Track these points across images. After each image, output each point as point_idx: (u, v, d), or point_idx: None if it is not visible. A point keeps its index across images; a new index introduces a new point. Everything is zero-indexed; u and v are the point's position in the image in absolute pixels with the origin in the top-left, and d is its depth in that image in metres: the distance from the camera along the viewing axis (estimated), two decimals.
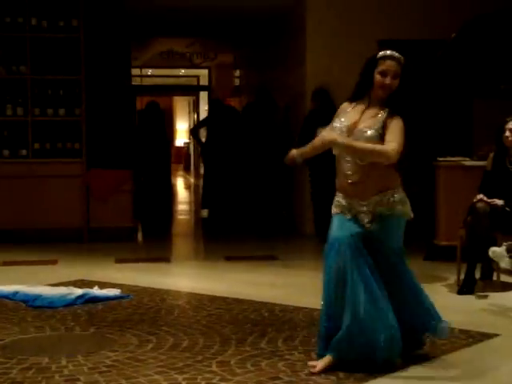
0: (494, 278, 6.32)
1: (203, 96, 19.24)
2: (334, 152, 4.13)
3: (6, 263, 7.42)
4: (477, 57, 8.41)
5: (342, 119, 4.15)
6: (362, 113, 4.12)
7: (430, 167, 7.61)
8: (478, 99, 8.73)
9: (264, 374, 3.98)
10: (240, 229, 9.97)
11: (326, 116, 8.86)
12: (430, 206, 7.72)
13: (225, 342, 4.58)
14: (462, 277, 6.06)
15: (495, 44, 8.39)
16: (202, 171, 13.87)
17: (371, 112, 4.11)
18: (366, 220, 4.07)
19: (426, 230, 7.76)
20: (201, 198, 11.46)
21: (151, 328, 4.92)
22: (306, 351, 4.35)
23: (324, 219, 8.76)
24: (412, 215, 4.18)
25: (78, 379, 3.91)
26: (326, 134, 4.10)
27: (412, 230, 9.33)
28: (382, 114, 4.06)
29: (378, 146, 3.99)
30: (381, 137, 4.01)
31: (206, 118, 11.47)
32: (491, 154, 6.31)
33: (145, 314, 5.35)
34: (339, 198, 4.16)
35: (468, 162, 7.27)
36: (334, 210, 4.18)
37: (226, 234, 9.66)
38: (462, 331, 4.79)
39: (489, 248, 5.52)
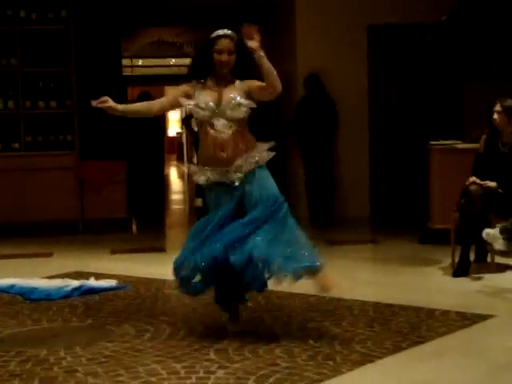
0: (488, 259, 6.35)
1: None
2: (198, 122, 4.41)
3: (1, 257, 7.41)
4: (468, 39, 8.41)
5: (203, 98, 4.36)
6: (217, 90, 4.40)
7: (423, 151, 7.63)
8: (468, 82, 8.75)
9: (262, 360, 3.99)
10: None
11: (318, 101, 9.00)
12: (423, 189, 7.75)
13: (222, 329, 4.59)
14: (457, 259, 6.09)
15: (486, 26, 8.39)
16: (194, 161, 13.83)
17: (226, 87, 4.41)
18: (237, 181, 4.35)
19: (420, 214, 7.79)
20: (195, 187, 11.44)
21: (148, 318, 4.94)
22: (302, 336, 4.37)
23: (318, 205, 8.88)
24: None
25: (77, 370, 3.92)
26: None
27: (406, 214, 9.37)
28: (236, 84, 4.41)
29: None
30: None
31: None
32: (483, 137, 6.32)
33: (141, 303, 5.37)
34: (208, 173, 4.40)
35: (460, 145, 7.28)
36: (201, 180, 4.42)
37: None
38: (457, 313, 4.82)
39: (482, 230, 5.54)
